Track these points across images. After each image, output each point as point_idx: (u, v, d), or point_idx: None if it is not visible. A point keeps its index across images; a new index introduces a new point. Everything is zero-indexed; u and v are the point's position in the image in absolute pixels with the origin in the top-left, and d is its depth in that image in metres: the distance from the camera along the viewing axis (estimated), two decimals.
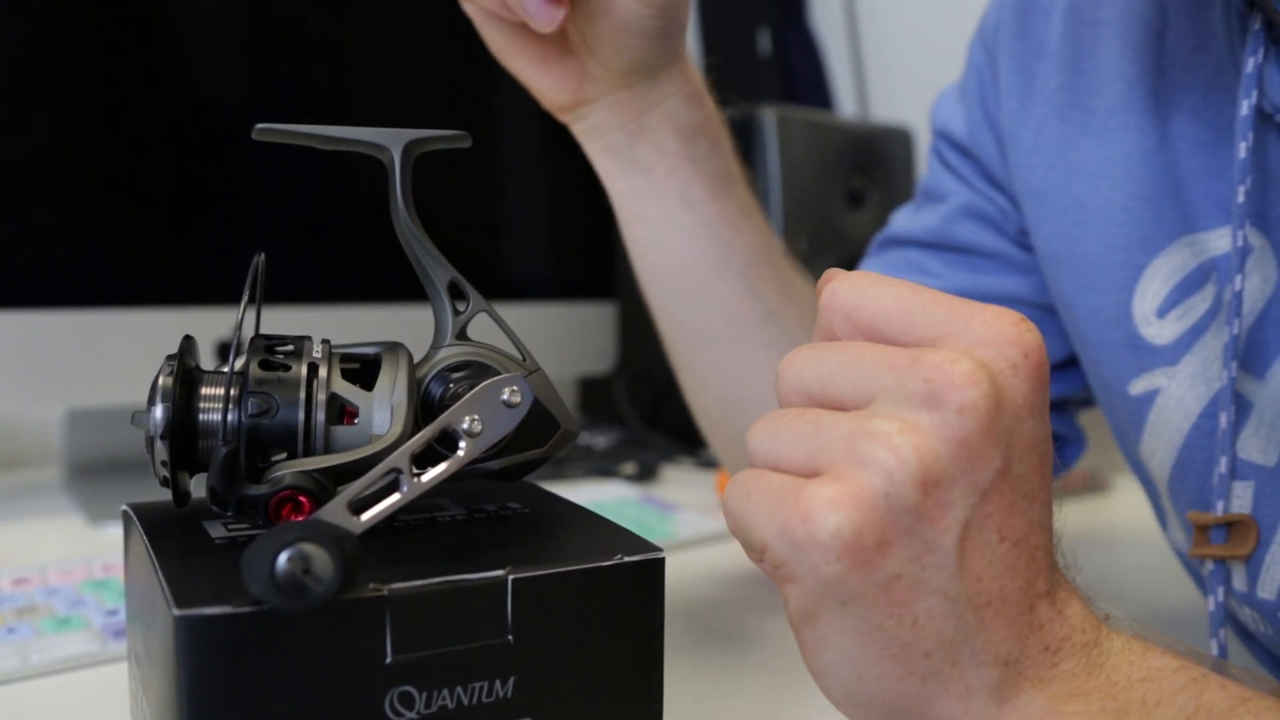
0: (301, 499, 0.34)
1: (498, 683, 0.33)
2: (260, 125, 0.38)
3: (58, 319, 0.80)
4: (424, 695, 0.32)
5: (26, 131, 0.79)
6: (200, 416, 0.36)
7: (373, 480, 0.33)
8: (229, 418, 0.35)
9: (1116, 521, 0.93)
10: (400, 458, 0.34)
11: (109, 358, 0.81)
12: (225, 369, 0.36)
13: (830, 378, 0.33)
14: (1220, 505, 0.49)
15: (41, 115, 0.79)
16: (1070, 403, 0.66)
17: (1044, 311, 0.63)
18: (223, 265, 0.87)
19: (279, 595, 0.29)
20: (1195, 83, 0.52)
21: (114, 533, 0.75)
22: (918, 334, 0.33)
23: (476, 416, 0.35)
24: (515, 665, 0.33)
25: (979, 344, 0.32)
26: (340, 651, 0.31)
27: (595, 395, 1.19)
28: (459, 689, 0.33)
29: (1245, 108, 0.47)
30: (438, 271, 0.39)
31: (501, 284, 1.02)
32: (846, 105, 1.40)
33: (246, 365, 0.36)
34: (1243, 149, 0.47)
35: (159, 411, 0.35)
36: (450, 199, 0.99)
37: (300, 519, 0.34)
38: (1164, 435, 0.53)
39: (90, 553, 0.65)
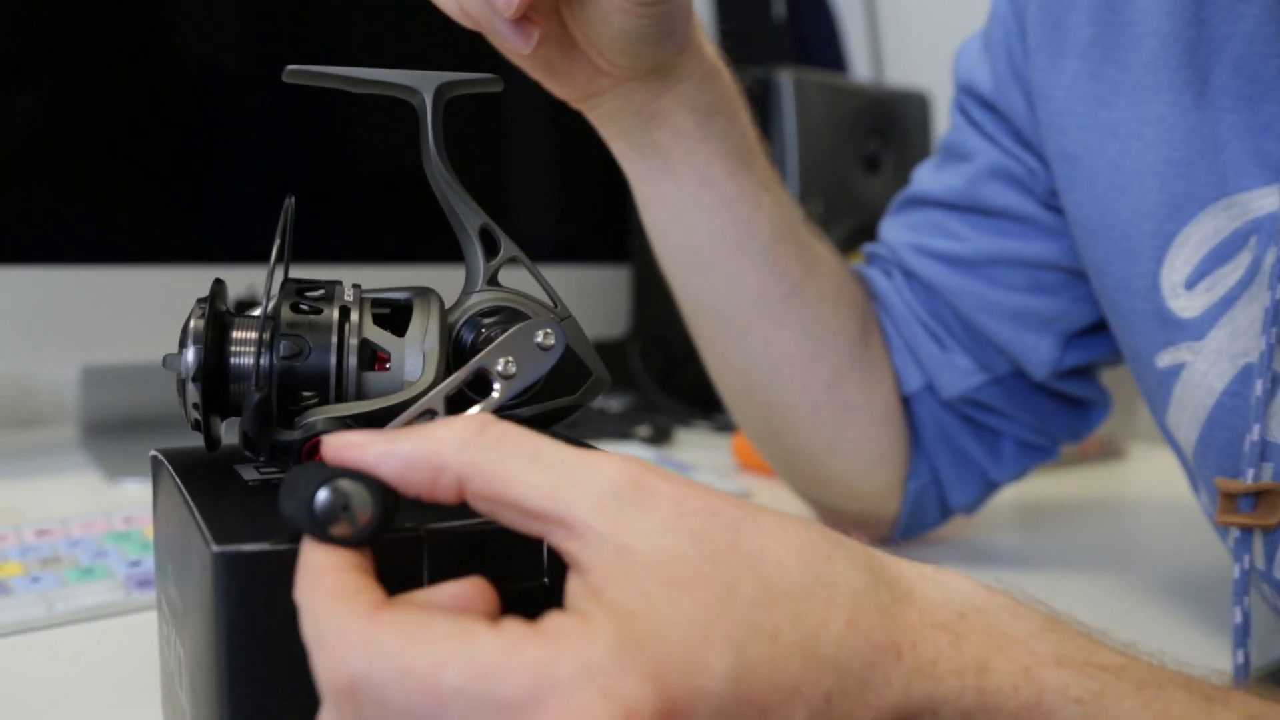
0: None
1: None
2: (291, 67, 0.38)
3: (72, 275, 0.79)
4: None
5: (40, 86, 0.78)
6: (232, 360, 0.35)
7: (407, 422, 0.33)
8: (261, 362, 0.35)
9: (1133, 488, 0.93)
10: (435, 399, 0.34)
11: (124, 315, 0.81)
12: (256, 313, 0.36)
13: None
14: (1250, 473, 0.47)
15: (55, 69, 0.79)
16: (1097, 366, 0.66)
17: (1071, 275, 0.62)
18: (240, 223, 0.86)
19: (314, 527, 0.29)
20: (1237, 34, 0.51)
21: (132, 488, 0.75)
22: None
23: (511, 359, 0.35)
24: (551, 607, 0.33)
25: None
26: None
27: (609, 359, 1.18)
28: None
29: None
30: (469, 217, 0.39)
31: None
32: (861, 69, 1.39)
33: (278, 308, 0.36)
34: None
35: (190, 354, 0.35)
36: (463, 161, 0.98)
37: None
38: (1189, 409, 0.52)
39: (110, 507, 0.65)
